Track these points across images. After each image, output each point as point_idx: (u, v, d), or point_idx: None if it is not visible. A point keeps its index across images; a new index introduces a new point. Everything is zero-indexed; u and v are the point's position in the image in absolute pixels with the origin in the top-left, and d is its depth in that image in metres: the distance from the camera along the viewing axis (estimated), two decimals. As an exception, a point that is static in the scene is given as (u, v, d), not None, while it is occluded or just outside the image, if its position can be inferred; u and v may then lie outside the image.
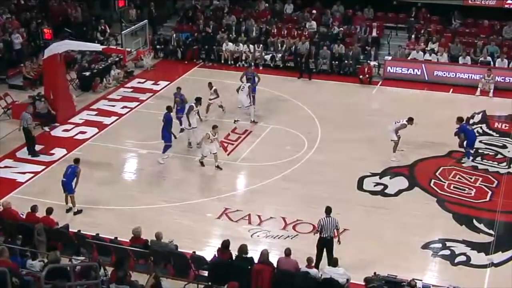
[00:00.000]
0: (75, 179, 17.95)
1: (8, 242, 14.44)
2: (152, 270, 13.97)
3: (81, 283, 11.78)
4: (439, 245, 16.60)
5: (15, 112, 23.35)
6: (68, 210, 18.10)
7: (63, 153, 21.49)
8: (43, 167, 20.61)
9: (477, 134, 21.59)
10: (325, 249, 15.14)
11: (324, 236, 15.09)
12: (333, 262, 13.90)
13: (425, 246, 16.55)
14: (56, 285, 10.43)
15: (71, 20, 32.57)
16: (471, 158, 20.66)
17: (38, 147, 21.62)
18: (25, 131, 21.30)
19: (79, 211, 18.14)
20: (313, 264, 14.04)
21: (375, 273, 13.96)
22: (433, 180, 19.69)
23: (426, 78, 28.20)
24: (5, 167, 20.76)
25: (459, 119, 20.79)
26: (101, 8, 34.69)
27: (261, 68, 29.53)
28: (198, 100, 21.85)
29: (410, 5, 31.64)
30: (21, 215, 16.25)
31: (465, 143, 20.54)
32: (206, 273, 14.40)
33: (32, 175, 20.21)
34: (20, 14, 31.78)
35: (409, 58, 28.86)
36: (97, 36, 31.15)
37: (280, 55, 30.08)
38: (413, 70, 28.43)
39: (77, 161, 18.40)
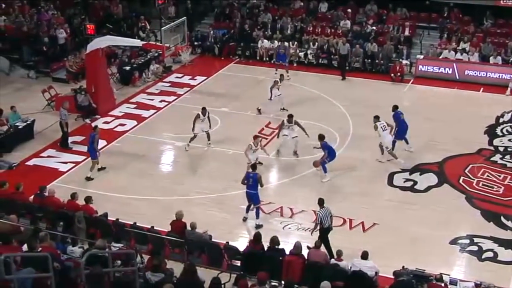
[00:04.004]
0: (95, 144, 19.75)
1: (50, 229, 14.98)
2: (187, 259, 14.34)
3: (119, 270, 11.97)
4: (467, 241, 16.71)
5: (58, 104, 23.78)
6: (100, 169, 20.19)
7: (103, 144, 21.94)
8: (84, 157, 21.01)
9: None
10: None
11: (325, 226, 15.62)
12: (363, 255, 14.00)
13: (453, 242, 16.69)
14: (92, 271, 10.64)
15: (113, 16, 33.26)
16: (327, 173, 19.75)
17: (79, 138, 22.30)
18: (60, 125, 22.01)
19: (91, 178, 19.81)
20: (342, 257, 14.17)
21: (403, 266, 14.08)
22: (462, 177, 19.76)
23: (457, 77, 28.21)
24: (48, 156, 21.41)
25: (320, 137, 19.66)
26: (141, 5, 35.22)
27: (295, 65, 29.91)
28: (290, 117, 21.10)
29: (442, 5, 31.63)
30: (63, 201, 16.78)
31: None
32: (238, 263, 14.63)
33: (73, 165, 20.76)
34: (64, 10, 32.68)
35: (440, 57, 28.91)
36: (138, 32, 31.76)
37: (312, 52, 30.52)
38: (445, 69, 28.46)
39: (95, 127, 20.46)
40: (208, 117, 21.66)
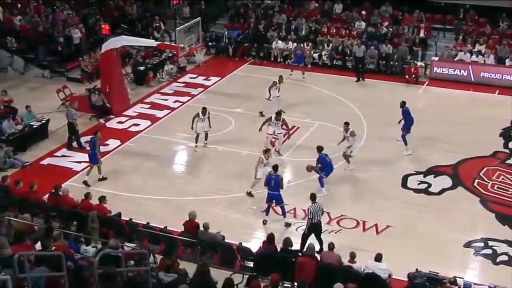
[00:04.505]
0: (96, 149, 19.50)
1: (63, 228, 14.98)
2: (199, 260, 14.35)
3: (132, 269, 12.03)
4: (481, 244, 16.66)
5: (72, 104, 23.93)
6: (85, 182, 19.48)
7: (117, 144, 22.18)
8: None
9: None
10: (313, 234, 15.89)
11: (314, 221, 15.80)
12: (376, 257, 13.95)
13: (468, 245, 16.63)
14: (106, 271, 10.67)
15: (127, 17, 33.44)
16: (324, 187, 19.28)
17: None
18: (68, 125, 22.01)
19: (104, 178, 19.81)
20: (355, 259, 14.12)
21: (417, 269, 14.04)
22: (476, 180, 19.70)
23: (473, 79, 28.10)
24: (62, 156, 21.54)
25: (318, 149, 19.11)
26: (155, 5, 35.36)
27: (309, 66, 29.87)
28: (278, 114, 21.44)
29: (458, 6, 31.51)
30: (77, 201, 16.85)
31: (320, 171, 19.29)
32: (251, 264, 14.63)
33: (87, 164, 20.55)
34: (79, 10, 32.92)
35: (456, 59, 28.83)
36: (153, 32, 31.88)
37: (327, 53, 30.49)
38: (460, 71, 28.36)
39: (95, 132, 20.18)
40: (208, 118, 21.67)
